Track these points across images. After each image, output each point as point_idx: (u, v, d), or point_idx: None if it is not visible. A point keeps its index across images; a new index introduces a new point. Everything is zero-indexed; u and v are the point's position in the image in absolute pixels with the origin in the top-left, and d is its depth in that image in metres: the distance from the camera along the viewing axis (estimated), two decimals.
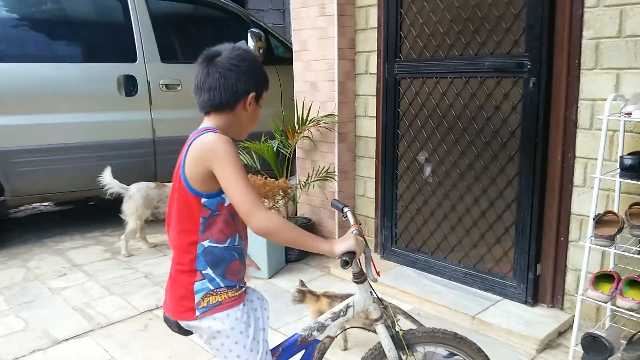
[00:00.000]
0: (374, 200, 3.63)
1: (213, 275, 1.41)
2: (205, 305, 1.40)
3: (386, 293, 3.09)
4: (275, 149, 3.81)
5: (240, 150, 3.87)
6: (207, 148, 1.33)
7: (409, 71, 3.26)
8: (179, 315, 1.44)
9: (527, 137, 2.71)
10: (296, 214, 3.97)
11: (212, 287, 1.40)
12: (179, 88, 4.47)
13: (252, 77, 1.42)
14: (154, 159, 4.45)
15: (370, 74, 3.51)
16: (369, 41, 3.47)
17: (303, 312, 2.90)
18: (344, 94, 3.58)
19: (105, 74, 4.21)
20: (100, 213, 5.28)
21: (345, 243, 1.40)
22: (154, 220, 4.11)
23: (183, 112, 4.49)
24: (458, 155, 3.06)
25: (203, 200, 1.37)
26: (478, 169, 2.98)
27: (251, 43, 4.63)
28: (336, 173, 3.62)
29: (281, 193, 3.60)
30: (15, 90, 3.88)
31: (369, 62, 3.50)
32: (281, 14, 8.67)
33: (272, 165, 3.83)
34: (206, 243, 1.39)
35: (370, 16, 3.43)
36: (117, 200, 5.66)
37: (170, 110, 4.41)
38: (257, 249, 3.36)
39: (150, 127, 4.38)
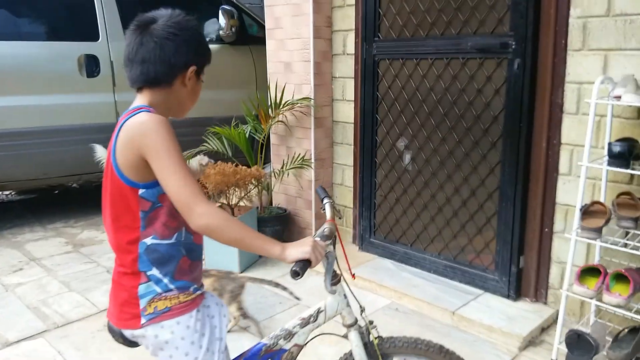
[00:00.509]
0: (352, 189, 3.53)
1: (159, 276, 1.28)
2: (152, 311, 1.28)
3: (364, 287, 3.02)
4: (247, 134, 3.69)
5: (210, 136, 3.75)
6: (139, 130, 1.20)
7: (388, 52, 3.15)
8: (123, 324, 1.32)
9: (510, 123, 2.63)
10: (271, 204, 3.87)
11: (159, 290, 1.28)
12: None
13: (193, 48, 1.28)
14: None
15: (347, 54, 3.39)
16: (346, 19, 3.35)
17: (276, 310, 2.82)
18: (320, 76, 3.46)
19: (65, 53, 4.02)
20: (65, 203, 5.13)
21: (299, 249, 1.24)
22: None
23: None
24: (438, 141, 2.98)
25: (140, 191, 1.23)
26: (459, 156, 2.90)
27: (222, 21, 4.49)
28: (312, 160, 3.52)
29: (254, 182, 3.48)
30: None
31: (347, 41, 3.38)
32: None
33: (245, 152, 3.70)
34: (149, 240, 1.26)
35: None
36: (83, 188, 5.49)
37: (135, 92, 4.24)
38: None
39: (114, 110, 4.21)
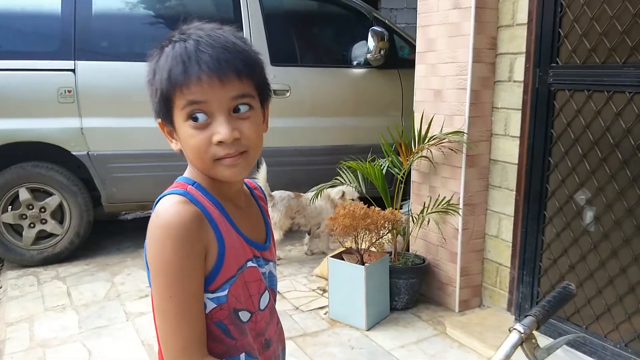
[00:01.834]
0: (510, 244, 2.99)
1: None
2: None
3: None
4: (385, 169, 3.35)
5: (344, 170, 3.48)
6: (148, 229, 0.91)
7: (569, 81, 2.60)
8: None
9: None
10: (408, 250, 3.47)
11: None
12: (288, 94, 4.21)
13: (151, 97, 0.97)
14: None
15: (514, 82, 2.89)
16: (515, 40, 2.86)
17: None
18: (477, 107, 3.01)
19: None
20: None
21: None
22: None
23: (291, 120, 4.25)
24: (635, 200, 2.35)
25: None
26: None
27: (372, 43, 4.24)
28: (460, 206, 3.06)
29: (387, 225, 3.12)
30: (116, 90, 3.88)
31: (514, 66, 2.88)
32: (416, 13, 8.21)
33: (380, 190, 3.37)
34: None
35: (518, 9, 2.81)
36: None
37: (275, 119, 4.15)
38: (353, 289, 2.95)
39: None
